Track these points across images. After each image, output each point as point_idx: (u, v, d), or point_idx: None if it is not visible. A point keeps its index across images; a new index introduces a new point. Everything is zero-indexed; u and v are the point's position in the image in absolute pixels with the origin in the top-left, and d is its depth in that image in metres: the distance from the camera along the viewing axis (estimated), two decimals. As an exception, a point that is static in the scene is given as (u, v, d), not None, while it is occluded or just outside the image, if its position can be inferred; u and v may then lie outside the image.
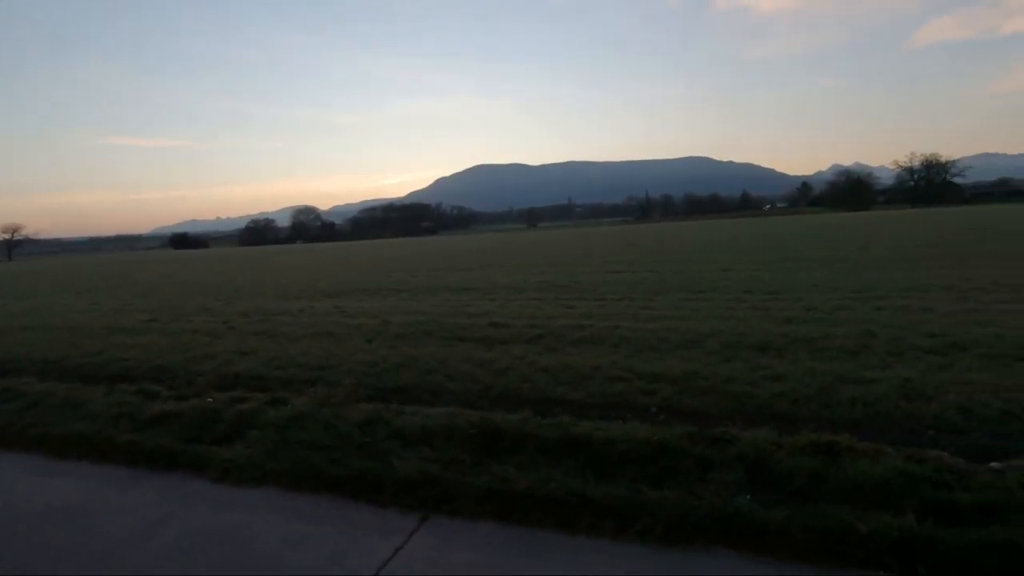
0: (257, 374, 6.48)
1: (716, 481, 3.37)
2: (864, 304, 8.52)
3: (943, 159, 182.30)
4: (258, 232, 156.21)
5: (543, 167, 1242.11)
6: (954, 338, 6.00)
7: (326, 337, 8.24)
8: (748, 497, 3.19)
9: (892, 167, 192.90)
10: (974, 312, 7.50)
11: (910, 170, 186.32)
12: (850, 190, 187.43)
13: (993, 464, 3.37)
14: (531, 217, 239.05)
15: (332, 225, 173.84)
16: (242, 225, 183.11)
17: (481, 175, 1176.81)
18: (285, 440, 4.29)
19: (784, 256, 18.43)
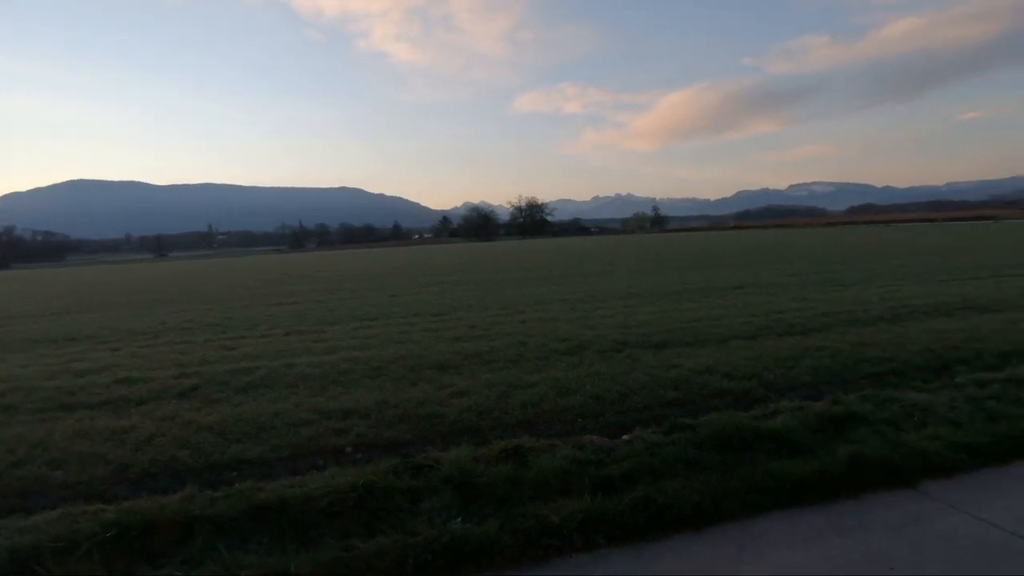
0: None
1: (428, 511, 3.29)
2: (511, 319, 10.01)
3: (540, 201, 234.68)
4: None
5: (172, 187, 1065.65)
6: (577, 341, 7.57)
7: None
8: (459, 520, 3.22)
9: (507, 206, 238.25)
10: (583, 318, 9.68)
11: (520, 208, 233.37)
12: (479, 224, 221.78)
13: (625, 437, 4.30)
14: (160, 245, 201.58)
15: None
16: None
17: (79, 193, 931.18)
18: None
19: (440, 280, 20.33)
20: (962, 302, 9.57)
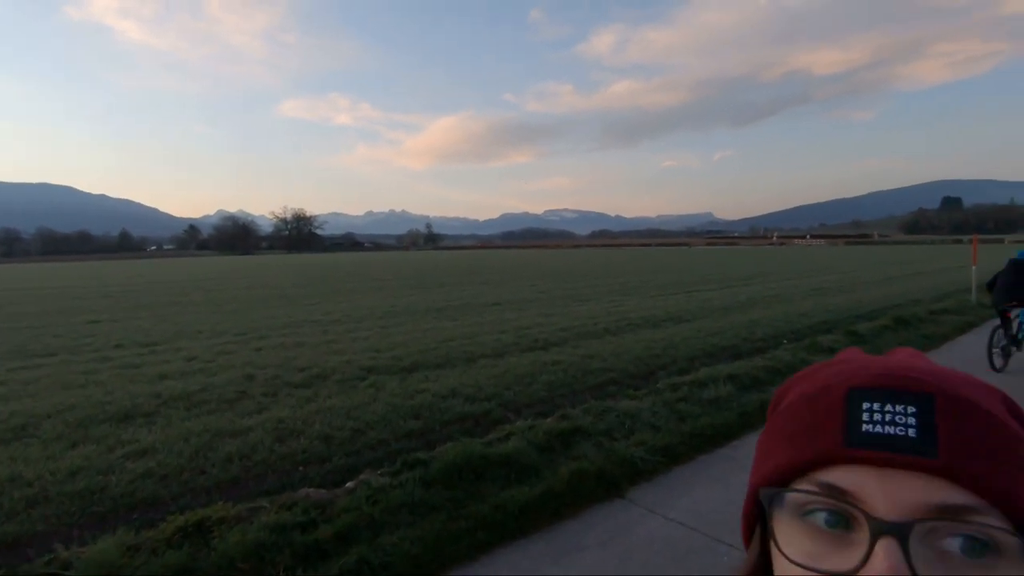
0: None
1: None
2: (246, 346, 8.63)
3: (308, 214, 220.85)
4: None
5: None
6: (318, 369, 6.77)
7: None
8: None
9: (271, 217, 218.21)
10: (332, 342, 8.85)
11: (285, 221, 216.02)
12: (237, 235, 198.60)
13: (348, 485, 3.75)
14: None
15: None
16: None
17: None
18: None
19: (170, 300, 17.04)
20: (665, 314, 11.45)
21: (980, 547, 0.34)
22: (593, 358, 7.41)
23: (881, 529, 0.34)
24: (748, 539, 0.46)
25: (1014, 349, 7.16)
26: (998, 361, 7.05)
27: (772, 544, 0.41)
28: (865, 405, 0.38)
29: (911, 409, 0.37)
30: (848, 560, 0.35)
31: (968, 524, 0.34)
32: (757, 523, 0.45)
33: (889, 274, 23.02)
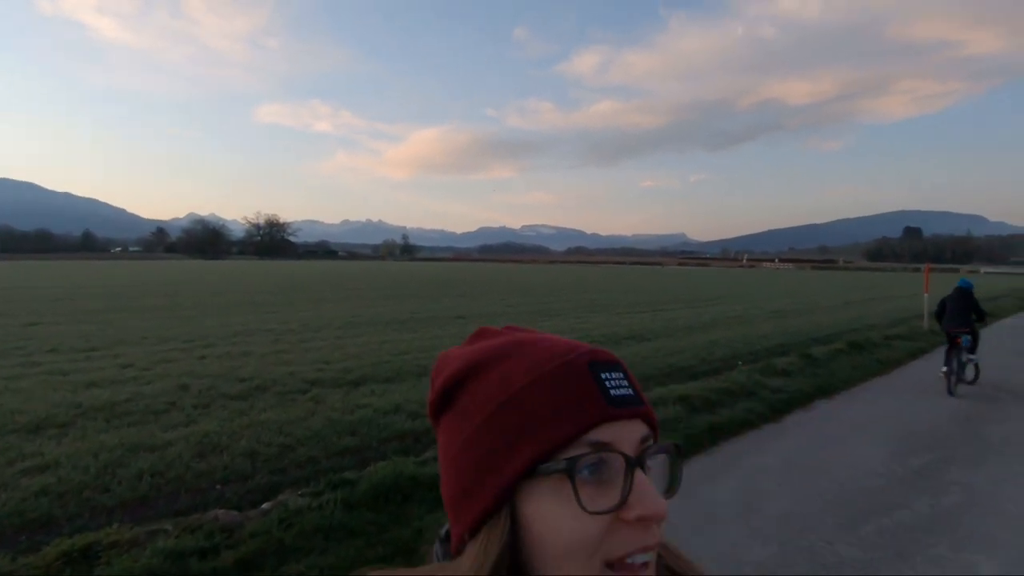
0: None
1: None
2: (190, 354, 8.26)
3: (281, 220, 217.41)
4: None
5: None
6: (260, 380, 6.47)
7: None
8: None
9: (243, 222, 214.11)
10: (282, 352, 8.53)
11: (257, 226, 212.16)
12: (207, 239, 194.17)
13: (264, 506, 3.51)
14: None
15: None
16: None
17: None
18: None
19: (122, 305, 16.36)
20: (628, 332, 11.42)
21: (669, 458, 0.48)
22: (548, 375, 7.27)
23: (634, 462, 0.44)
24: (463, 541, 0.46)
25: (964, 374, 7.30)
26: (953, 386, 7.19)
27: (526, 528, 0.44)
28: (603, 375, 0.47)
29: (620, 374, 0.48)
30: (614, 497, 0.43)
31: (655, 446, 0.47)
32: (491, 518, 0.45)
33: (849, 299, 23.58)
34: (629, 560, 0.43)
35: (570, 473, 0.43)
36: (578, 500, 0.42)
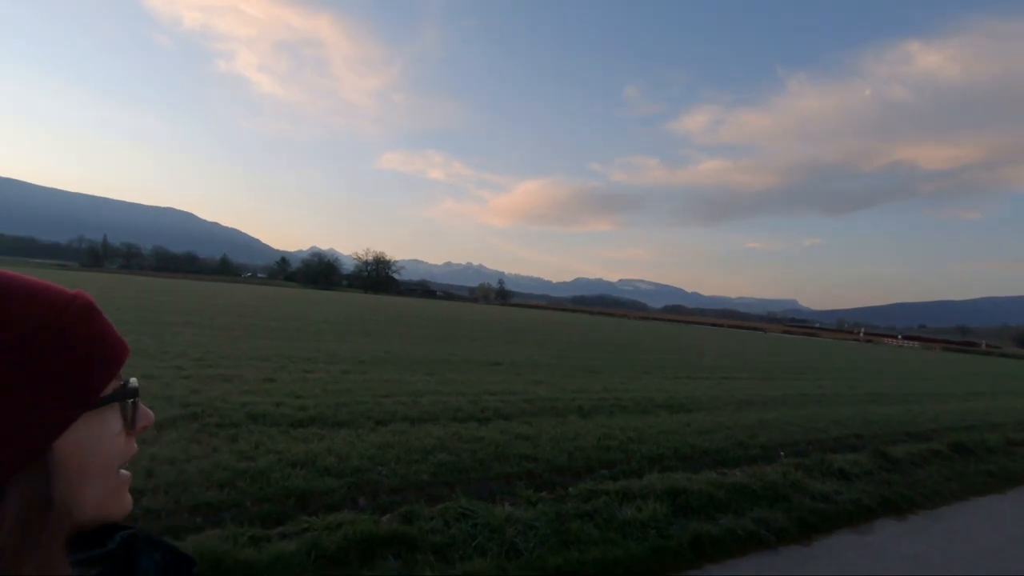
0: None
1: None
2: (179, 373, 8.03)
3: (388, 257, 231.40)
4: None
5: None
6: (197, 408, 5.94)
7: None
8: None
9: (355, 257, 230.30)
10: (268, 380, 8.08)
11: (366, 262, 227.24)
12: (321, 271, 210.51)
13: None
14: None
15: None
16: None
17: None
18: None
19: (186, 321, 17.27)
20: (665, 399, 9.84)
21: None
22: (527, 440, 6.10)
23: (134, 392, 0.58)
24: None
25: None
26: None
27: (67, 465, 0.51)
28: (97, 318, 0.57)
29: None
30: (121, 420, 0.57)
31: None
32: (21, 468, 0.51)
33: (978, 388, 19.62)
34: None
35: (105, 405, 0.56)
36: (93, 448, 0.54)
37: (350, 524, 3.51)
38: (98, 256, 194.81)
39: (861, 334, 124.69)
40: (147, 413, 0.60)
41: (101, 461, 0.53)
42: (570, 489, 4.68)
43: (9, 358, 0.50)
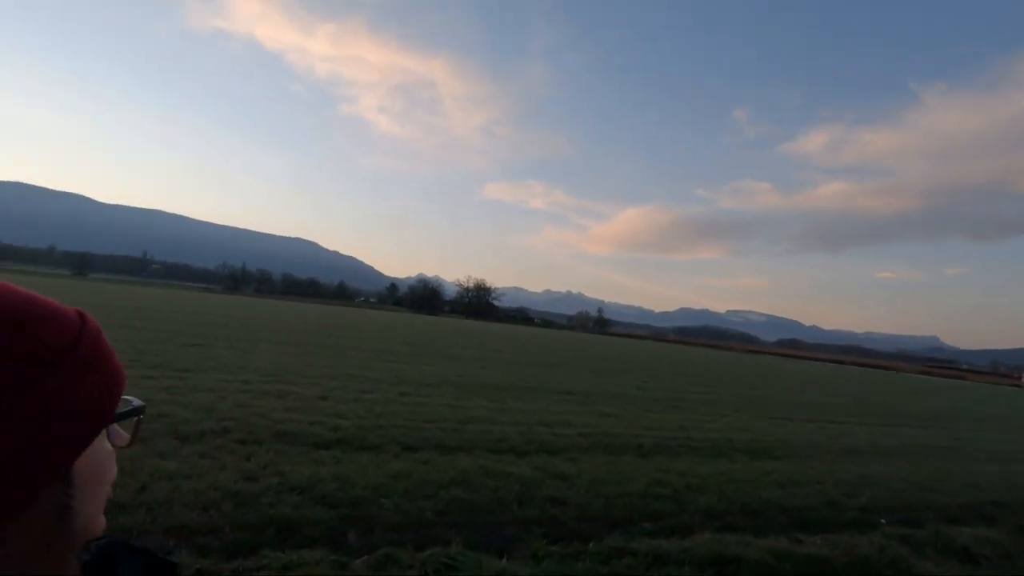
0: None
1: None
2: (245, 388, 8.31)
3: (489, 285, 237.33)
4: None
5: (116, 207, 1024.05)
6: (231, 423, 5.96)
7: None
8: None
9: (458, 284, 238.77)
10: (322, 398, 8.09)
11: (467, 289, 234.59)
12: (425, 297, 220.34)
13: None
14: (83, 263, 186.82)
15: None
16: None
17: (20, 195, 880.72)
18: None
19: (283, 339, 18.38)
20: (748, 443, 8.59)
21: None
22: (563, 480, 5.44)
23: (142, 410, 0.58)
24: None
25: None
26: None
27: (83, 480, 0.54)
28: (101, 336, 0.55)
29: None
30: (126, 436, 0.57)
31: None
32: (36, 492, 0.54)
33: None
34: None
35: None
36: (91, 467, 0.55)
37: (313, 565, 3.14)
38: (237, 281, 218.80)
39: (1021, 378, 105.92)
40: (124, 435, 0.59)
41: (105, 476, 0.55)
42: (590, 545, 3.98)
43: (42, 378, 0.54)
